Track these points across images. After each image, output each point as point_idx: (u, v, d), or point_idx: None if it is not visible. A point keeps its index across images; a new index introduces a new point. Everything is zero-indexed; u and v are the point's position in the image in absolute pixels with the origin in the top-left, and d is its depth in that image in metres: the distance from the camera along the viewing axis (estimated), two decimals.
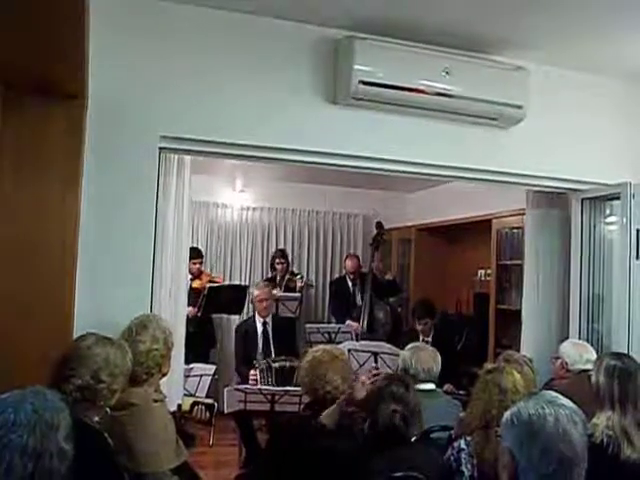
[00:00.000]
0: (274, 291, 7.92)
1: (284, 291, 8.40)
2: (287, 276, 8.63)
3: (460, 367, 6.47)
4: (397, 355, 5.05)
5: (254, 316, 7.18)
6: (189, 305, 6.92)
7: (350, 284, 8.42)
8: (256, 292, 7.13)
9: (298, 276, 8.73)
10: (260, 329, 7.04)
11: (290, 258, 9.02)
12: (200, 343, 7.15)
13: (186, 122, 4.17)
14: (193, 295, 7.41)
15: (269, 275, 8.85)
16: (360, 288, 8.21)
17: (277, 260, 8.69)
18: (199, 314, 7.44)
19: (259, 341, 6.99)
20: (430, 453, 3.23)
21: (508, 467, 2.09)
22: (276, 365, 6.22)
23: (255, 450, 5.91)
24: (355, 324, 7.78)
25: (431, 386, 4.23)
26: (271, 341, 7.00)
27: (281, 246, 9.35)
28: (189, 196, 4.52)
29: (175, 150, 4.30)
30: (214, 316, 8.25)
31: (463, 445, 3.19)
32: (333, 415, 3.45)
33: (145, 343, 3.48)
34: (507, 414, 2.14)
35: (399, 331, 7.94)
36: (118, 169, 4.00)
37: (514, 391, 3.22)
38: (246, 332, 7.05)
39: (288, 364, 6.20)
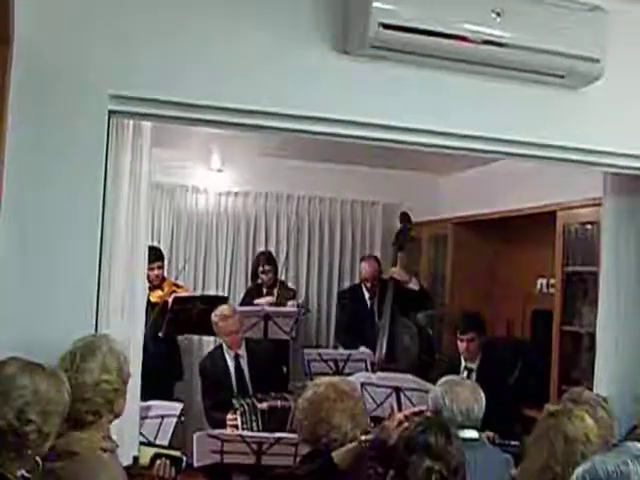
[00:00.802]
0: (261, 300, 7.97)
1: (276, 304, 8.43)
2: (277, 289, 8.63)
3: (512, 409, 6.50)
4: (427, 392, 5.08)
5: (221, 349, 7.19)
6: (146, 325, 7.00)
7: (367, 295, 8.45)
8: (220, 324, 7.05)
9: (291, 294, 8.71)
10: (232, 365, 7.07)
11: (283, 262, 9.04)
12: (162, 374, 7.20)
13: (145, 77, 4.18)
14: (151, 312, 7.46)
15: (251, 286, 8.91)
16: (379, 302, 8.27)
17: (261, 268, 8.70)
18: (160, 334, 7.48)
19: (232, 381, 7.01)
20: None
21: None
22: (263, 406, 6.26)
23: None
24: (369, 352, 7.80)
25: (472, 434, 4.25)
26: (248, 380, 7.01)
27: (272, 244, 9.40)
28: (148, 176, 4.55)
29: (130, 114, 4.31)
30: (181, 338, 8.30)
31: None
32: (348, 455, 3.48)
33: (92, 373, 3.47)
34: (578, 471, 2.16)
35: (430, 360, 7.98)
36: (53, 140, 4.00)
37: (585, 441, 3.24)
38: (214, 372, 7.07)
39: (279, 404, 6.24)
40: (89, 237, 4.08)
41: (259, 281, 8.71)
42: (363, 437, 3.60)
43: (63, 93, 4.03)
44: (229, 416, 6.33)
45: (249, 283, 9.22)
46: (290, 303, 8.50)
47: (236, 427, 6.21)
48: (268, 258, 8.81)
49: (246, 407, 6.27)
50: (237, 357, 7.06)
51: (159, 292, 7.81)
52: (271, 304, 8.34)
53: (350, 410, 3.70)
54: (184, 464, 4.28)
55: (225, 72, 4.31)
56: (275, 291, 8.57)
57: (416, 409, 5.00)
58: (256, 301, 8.23)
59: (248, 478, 5.91)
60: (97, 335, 3.88)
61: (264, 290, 8.58)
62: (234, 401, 6.45)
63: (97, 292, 4.13)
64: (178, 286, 8.25)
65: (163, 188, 9.02)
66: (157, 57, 4.21)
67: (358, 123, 4.56)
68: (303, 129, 4.56)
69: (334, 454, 3.51)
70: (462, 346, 6.87)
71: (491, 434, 6.03)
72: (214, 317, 7.07)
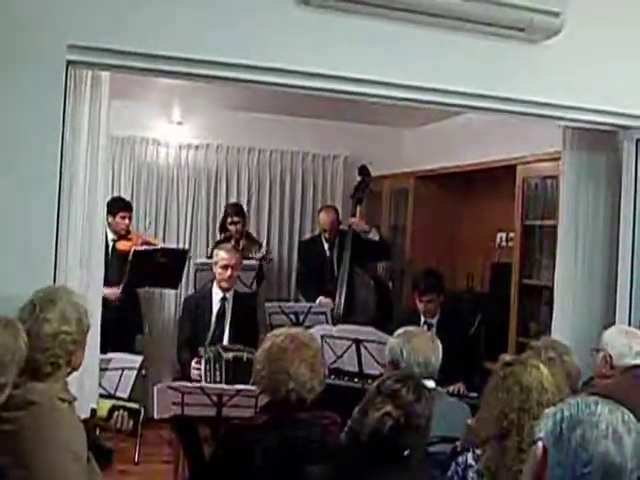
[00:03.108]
0: None
1: None
2: (243, 241, 8.63)
3: (472, 361, 6.57)
4: (386, 343, 5.13)
5: (211, 288, 7.22)
6: (112, 277, 6.99)
7: (326, 246, 8.48)
8: (222, 254, 7.09)
9: (257, 246, 8.72)
10: (216, 306, 7.09)
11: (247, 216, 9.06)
12: (122, 326, 7.21)
13: (104, 27, 4.14)
14: (118, 260, 7.46)
15: (220, 237, 8.89)
16: (338, 252, 8.29)
17: (230, 219, 8.69)
18: (121, 287, 7.47)
19: (212, 321, 7.03)
20: (425, 474, 3.30)
21: (537, 463, 2.13)
22: (229, 355, 6.27)
23: (202, 469, 5.99)
24: (329, 301, 7.88)
25: (430, 384, 4.28)
26: (227, 324, 7.04)
27: (233, 197, 9.37)
28: (107, 129, 4.52)
29: (89, 64, 4.28)
30: (142, 291, 8.30)
31: (471, 460, 3.26)
32: None
33: (52, 323, 3.46)
34: (549, 409, 2.20)
35: (389, 312, 8.05)
36: (9, 91, 3.98)
37: (540, 389, 3.27)
38: (197, 307, 7.10)
39: (245, 356, 6.25)
40: (47, 190, 4.07)
41: (228, 233, 8.70)
42: None
43: (19, 43, 3.99)
44: (193, 363, 6.38)
45: (210, 236, 9.24)
46: (256, 254, 8.50)
47: (200, 375, 6.25)
48: (237, 210, 8.78)
49: (211, 355, 6.28)
50: (224, 300, 7.09)
51: (126, 243, 7.80)
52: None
53: (309, 360, 3.71)
54: (142, 416, 4.28)
55: (186, 22, 4.28)
56: (241, 243, 8.56)
57: None
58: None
59: (209, 429, 5.95)
60: (56, 286, 3.88)
61: (232, 242, 8.55)
62: (200, 349, 6.46)
63: (55, 244, 4.12)
64: (147, 238, 8.26)
65: (123, 141, 8.94)
66: (116, 6, 4.17)
67: (318, 75, 4.55)
68: (263, 80, 4.55)
69: None
70: (421, 306, 6.92)
71: (461, 386, 6.14)
72: (218, 249, 7.25)
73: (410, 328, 4.71)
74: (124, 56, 4.24)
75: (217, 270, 7.10)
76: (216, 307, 7.08)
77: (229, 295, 7.12)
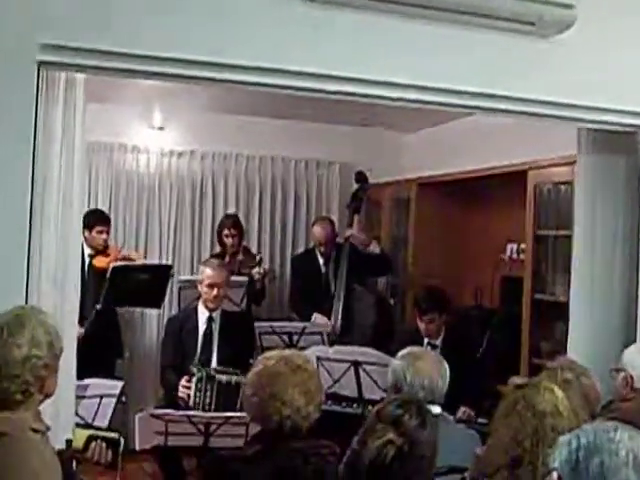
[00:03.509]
0: None
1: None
2: (240, 257, 8.61)
3: (480, 384, 6.56)
4: (387, 365, 5.12)
5: (196, 307, 7.24)
6: (89, 296, 6.99)
7: (321, 261, 8.46)
8: (207, 271, 7.12)
9: (257, 258, 8.64)
10: (203, 327, 7.11)
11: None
12: (100, 350, 7.19)
13: (79, 24, 4.14)
14: (95, 278, 7.43)
15: (214, 252, 8.91)
16: (335, 267, 8.27)
17: (226, 231, 8.67)
18: (98, 307, 7.45)
19: (198, 344, 7.05)
20: None
21: None
22: (222, 377, 6.28)
23: None
24: (325, 320, 7.86)
25: (435, 409, 4.28)
26: (215, 346, 7.06)
27: (220, 208, 9.37)
28: (83, 134, 4.53)
29: (62, 65, 4.27)
30: (121, 311, 8.29)
31: None
32: None
33: (21, 348, 3.43)
34: (564, 436, 2.19)
35: (390, 332, 8.03)
36: None
37: (555, 414, 3.26)
38: (181, 329, 7.11)
39: (234, 379, 6.26)
40: (17, 201, 4.07)
41: (222, 248, 8.71)
42: None
43: None
44: (183, 382, 6.40)
45: (195, 250, 9.25)
46: (257, 271, 8.46)
47: (188, 395, 6.28)
48: (234, 222, 8.75)
49: (203, 374, 6.29)
50: (210, 320, 7.12)
51: (103, 259, 7.76)
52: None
53: (303, 384, 3.69)
54: (122, 447, 4.27)
55: (167, 19, 4.28)
56: (237, 258, 8.55)
57: None
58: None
59: (196, 460, 5.94)
60: (26, 307, 3.87)
61: (227, 257, 8.55)
62: (192, 367, 6.47)
63: (27, 261, 4.11)
64: (127, 254, 8.20)
65: (100, 148, 8.91)
66: (92, 1, 4.17)
67: (312, 75, 4.55)
68: (252, 81, 4.55)
69: None
70: (422, 326, 6.92)
71: (468, 411, 6.12)
72: (202, 266, 7.28)
73: (414, 349, 4.73)
74: (101, 56, 4.23)
75: (203, 289, 7.13)
76: (202, 328, 7.10)
77: (216, 315, 7.14)
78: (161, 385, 7.05)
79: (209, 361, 6.94)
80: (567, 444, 2.17)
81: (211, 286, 7.06)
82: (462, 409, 6.28)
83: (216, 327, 7.12)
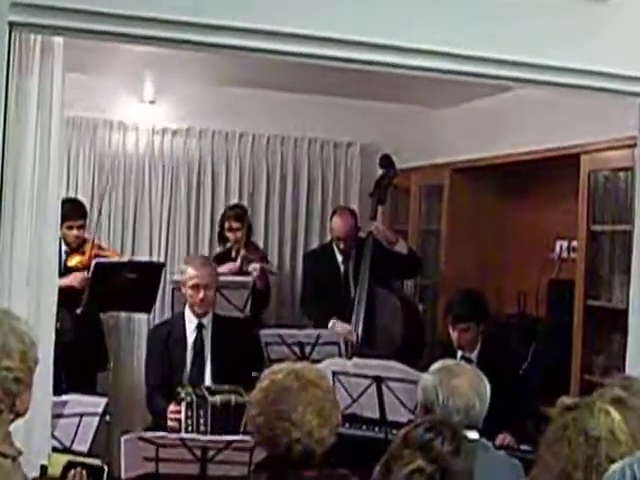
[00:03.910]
0: (222, 268, 7.95)
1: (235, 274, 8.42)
2: (242, 252, 8.60)
3: (523, 405, 6.55)
4: (416, 382, 5.11)
5: (183, 314, 7.21)
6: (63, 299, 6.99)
7: (340, 258, 8.47)
8: (190, 271, 7.09)
9: (259, 257, 8.65)
10: (191, 336, 7.08)
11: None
12: (80, 361, 7.24)
13: None
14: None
15: (218, 249, 8.98)
16: (355, 266, 8.28)
17: (229, 224, 8.72)
18: (78, 311, 7.46)
19: (188, 357, 7.03)
20: None
21: None
22: (216, 400, 6.27)
23: None
24: (346, 327, 7.86)
25: (471, 435, 4.27)
26: (207, 358, 7.05)
27: (220, 196, 9.40)
28: (61, 109, 4.54)
29: (37, 27, 4.30)
30: (105, 316, 8.31)
31: None
32: None
33: None
34: (616, 464, 2.18)
35: (419, 343, 8.04)
36: None
37: (611, 440, 3.24)
38: (168, 339, 7.08)
39: (234, 399, 6.25)
40: None
41: (228, 244, 8.74)
42: None
43: None
44: (171, 407, 6.37)
45: (191, 245, 9.29)
46: (255, 267, 8.46)
47: (179, 423, 6.25)
48: (238, 214, 8.77)
49: (194, 398, 6.27)
50: (200, 327, 7.08)
51: (79, 257, 7.76)
52: (234, 272, 8.37)
53: (317, 403, 3.68)
54: (105, 475, 4.27)
55: None
56: (241, 254, 8.53)
57: None
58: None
59: None
60: None
61: (233, 254, 8.55)
62: (179, 389, 6.43)
63: None
64: (102, 249, 8.20)
65: (81, 124, 8.93)
66: None
67: (324, 39, 4.55)
68: (256, 47, 4.56)
69: None
70: (454, 335, 6.91)
71: (509, 437, 6.10)
72: (183, 265, 7.21)
73: (449, 363, 4.71)
74: (80, 16, 4.25)
75: (187, 292, 7.10)
76: (191, 338, 7.07)
77: (207, 320, 7.11)
78: (148, 411, 7.01)
79: (201, 375, 6.93)
80: (619, 472, 2.16)
81: (196, 287, 7.01)
82: (501, 435, 6.27)
83: (207, 335, 7.09)
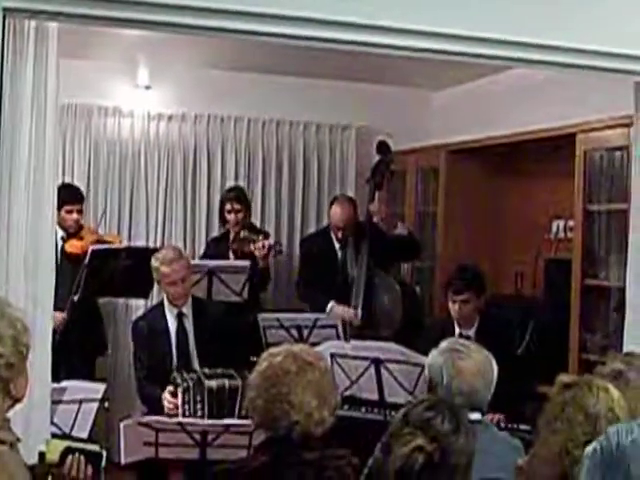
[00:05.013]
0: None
1: (235, 258, 8.42)
2: (243, 232, 8.49)
3: (521, 386, 6.55)
4: (416, 365, 5.10)
5: (161, 305, 7.18)
6: (61, 287, 6.98)
7: (337, 246, 8.45)
8: (163, 269, 6.96)
9: (259, 236, 8.54)
10: (173, 326, 7.05)
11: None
12: (79, 348, 7.26)
13: None
14: (68, 265, 7.42)
15: (216, 233, 9.02)
16: (354, 252, 8.26)
17: (229, 206, 8.67)
18: (76, 298, 7.46)
19: (172, 346, 6.99)
20: None
21: None
22: (212, 383, 6.26)
23: None
24: (346, 310, 7.86)
25: (474, 415, 4.27)
26: (192, 346, 7.02)
27: (216, 180, 9.42)
28: (56, 95, 4.53)
29: (30, 12, 4.28)
30: (103, 302, 8.32)
31: None
32: None
33: None
34: (591, 445, 2.19)
35: (418, 325, 8.04)
36: None
37: (611, 417, 3.23)
38: (149, 332, 7.04)
39: (228, 383, 6.24)
40: None
41: (227, 226, 8.71)
42: None
43: None
44: (167, 394, 6.35)
45: (188, 230, 9.30)
46: (259, 247, 8.26)
47: (176, 407, 6.25)
48: (237, 195, 8.72)
49: (190, 383, 6.25)
50: (180, 316, 7.04)
51: (77, 242, 7.75)
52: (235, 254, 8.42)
53: (315, 385, 3.68)
54: (104, 461, 4.26)
55: None
56: (241, 234, 8.42)
57: None
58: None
59: (187, 477, 5.95)
60: None
61: (231, 237, 8.52)
62: (175, 375, 6.43)
63: None
64: (102, 236, 8.19)
65: (76, 110, 8.93)
66: None
67: (322, 21, 4.54)
68: (251, 30, 4.54)
69: None
70: (454, 308, 6.89)
71: (496, 416, 6.09)
72: (154, 261, 7.02)
73: (459, 342, 4.67)
74: (74, 1, 4.24)
75: (164, 288, 7.06)
76: (173, 327, 7.03)
77: (186, 308, 7.07)
78: (142, 402, 6.97)
79: (189, 362, 6.89)
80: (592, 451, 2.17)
81: (173, 284, 6.96)
82: (494, 415, 6.25)
83: (189, 322, 7.06)
